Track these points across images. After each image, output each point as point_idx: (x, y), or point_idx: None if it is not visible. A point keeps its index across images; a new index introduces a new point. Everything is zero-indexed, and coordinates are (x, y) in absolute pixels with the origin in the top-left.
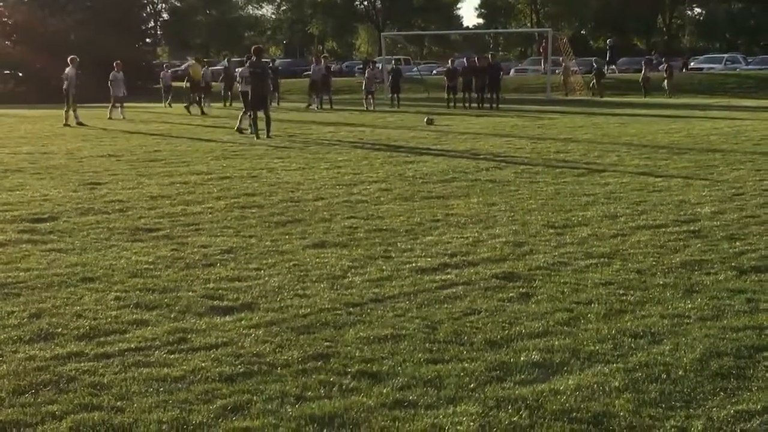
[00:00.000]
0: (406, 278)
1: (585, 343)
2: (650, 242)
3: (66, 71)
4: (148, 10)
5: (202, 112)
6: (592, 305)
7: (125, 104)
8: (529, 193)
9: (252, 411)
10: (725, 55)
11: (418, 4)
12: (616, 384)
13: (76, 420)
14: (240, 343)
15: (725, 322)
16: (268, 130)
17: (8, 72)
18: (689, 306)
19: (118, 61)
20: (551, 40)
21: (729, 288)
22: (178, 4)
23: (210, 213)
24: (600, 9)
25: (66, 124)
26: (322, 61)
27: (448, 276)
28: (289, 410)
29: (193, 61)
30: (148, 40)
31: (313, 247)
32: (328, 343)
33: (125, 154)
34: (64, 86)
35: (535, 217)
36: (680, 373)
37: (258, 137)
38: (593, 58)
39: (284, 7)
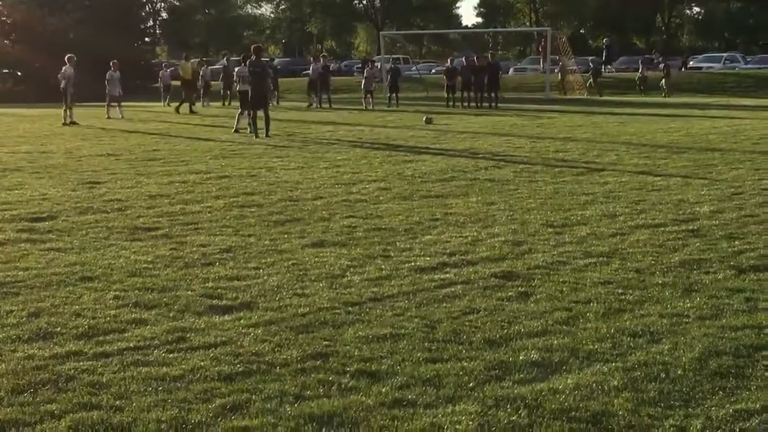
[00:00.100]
0: (405, 277)
1: (584, 342)
2: (649, 241)
3: (63, 70)
4: (147, 9)
5: (191, 111)
6: (591, 304)
7: (122, 103)
8: (528, 192)
9: (251, 410)
10: (724, 55)
11: (417, 3)
12: (615, 383)
13: (75, 419)
14: (239, 342)
15: (724, 321)
16: (267, 130)
17: (7, 71)
18: (688, 305)
19: (115, 61)
20: (550, 40)
21: (728, 287)
22: (177, 4)
23: (209, 212)
24: (599, 8)
25: (65, 123)
26: (321, 59)
27: (447, 275)
28: (288, 409)
29: (183, 61)
30: (147, 39)
31: (312, 247)
32: (326, 343)
33: (124, 153)
34: (62, 85)
35: (534, 216)
36: (679, 372)
37: (257, 136)
38: (590, 58)
39: (283, 6)
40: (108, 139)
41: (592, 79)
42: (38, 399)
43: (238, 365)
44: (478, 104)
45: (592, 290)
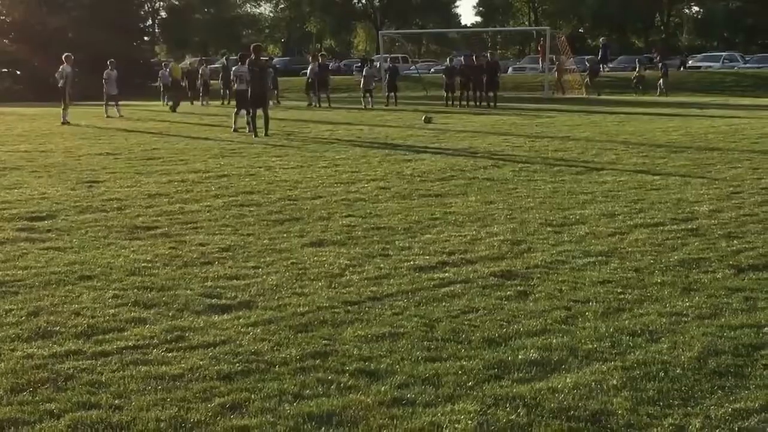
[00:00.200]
0: (404, 276)
1: (583, 341)
2: (648, 240)
3: (61, 69)
4: (146, 8)
5: (173, 110)
6: (590, 303)
7: (120, 102)
8: (527, 192)
9: (250, 409)
10: (723, 54)
11: (416, 2)
12: (614, 382)
13: (74, 418)
14: (238, 342)
15: (723, 320)
16: (267, 129)
17: (6, 70)
18: (687, 304)
19: (112, 60)
20: (549, 39)
21: (727, 286)
22: (176, 3)
23: (208, 211)
24: (598, 7)
25: (64, 123)
26: (320, 59)
27: (446, 274)
28: (287, 408)
29: (173, 62)
30: (146, 38)
31: (311, 246)
32: (326, 342)
33: (123, 153)
34: (60, 84)
35: (533, 216)
36: (678, 371)
37: (256, 135)
38: (586, 57)
39: (282, 5)
40: (107, 138)
41: (588, 79)
42: (37, 398)
43: (237, 364)
44: (477, 103)
45: (591, 289)
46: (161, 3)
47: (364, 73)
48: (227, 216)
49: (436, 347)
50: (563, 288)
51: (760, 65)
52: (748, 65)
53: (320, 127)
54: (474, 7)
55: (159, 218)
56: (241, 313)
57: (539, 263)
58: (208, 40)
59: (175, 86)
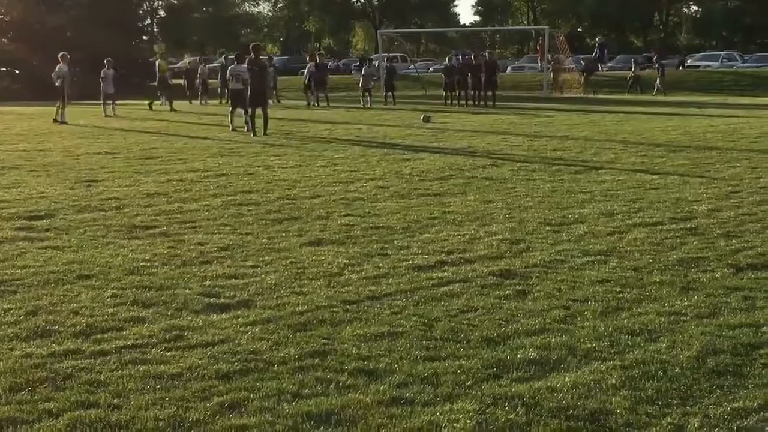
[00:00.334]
0: (403, 276)
1: (582, 340)
2: (647, 240)
3: (57, 68)
4: (145, 7)
5: (150, 108)
6: (589, 303)
7: (117, 101)
8: (525, 191)
9: (249, 408)
10: (722, 53)
11: (415, 1)
12: (613, 381)
13: (72, 417)
14: (237, 341)
15: (722, 319)
16: (265, 128)
17: (4, 69)
18: (686, 303)
19: (109, 58)
20: (548, 38)
21: (726, 285)
22: (175, 2)
23: (206, 210)
24: (597, 6)
25: (62, 122)
26: (318, 58)
27: (445, 273)
28: (286, 407)
29: (159, 58)
30: (144, 37)
31: (310, 245)
32: (324, 341)
33: (122, 152)
34: (57, 83)
35: (531, 215)
36: (677, 370)
37: (255, 134)
38: (582, 56)
39: (281, 5)
40: (105, 138)
41: (583, 78)
42: (36, 397)
43: (236, 363)
44: (476, 102)
45: (589, 288)
46: (160, 2)
47: (362, 72)
48: (226, 215)
49: (435, 346)
50: (562, 287)
51: (759, 64)
52: (746, 64)
53: (319, 127)
54: (473, 6)
55: (157, 217)
56: (239, 312)
57: (538, 262)
58: (206, 39)
59: (160, 83)
